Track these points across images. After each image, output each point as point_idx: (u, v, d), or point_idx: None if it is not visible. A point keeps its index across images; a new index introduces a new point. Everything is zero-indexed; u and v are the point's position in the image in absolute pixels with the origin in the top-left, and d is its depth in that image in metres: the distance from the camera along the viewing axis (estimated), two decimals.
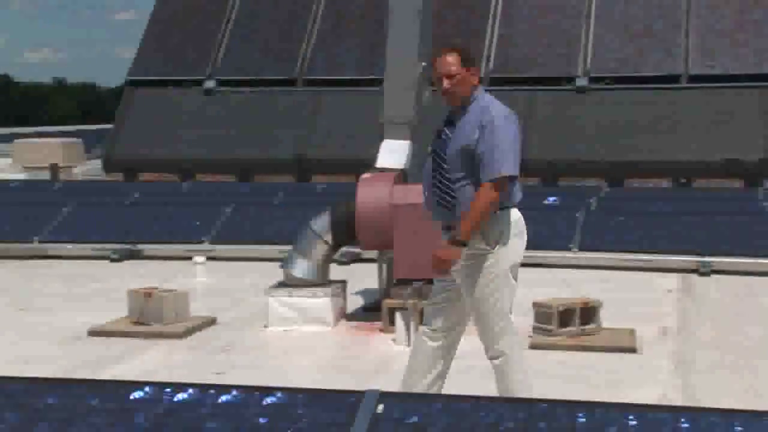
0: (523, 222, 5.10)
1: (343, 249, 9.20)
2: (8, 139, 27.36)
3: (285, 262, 8.05)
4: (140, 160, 20.12)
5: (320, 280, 7.91)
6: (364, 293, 8.72)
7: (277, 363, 6.82)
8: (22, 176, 20.56)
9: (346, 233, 7.97)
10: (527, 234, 5.12)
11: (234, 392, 3.61)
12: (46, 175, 20.55)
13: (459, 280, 5.04)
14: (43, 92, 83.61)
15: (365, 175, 8.00)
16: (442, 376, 5.19)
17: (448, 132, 5.08)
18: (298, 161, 19.61)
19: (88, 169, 23.14)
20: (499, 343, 5.02)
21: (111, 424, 3.54)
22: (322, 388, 3.78)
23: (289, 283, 7.89)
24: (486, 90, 5.19)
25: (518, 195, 5.08)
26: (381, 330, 7.51)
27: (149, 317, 7.55)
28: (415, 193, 7.74)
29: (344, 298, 8.10)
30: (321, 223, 8.02)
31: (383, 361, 6.73)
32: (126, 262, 11.09)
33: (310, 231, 8.01)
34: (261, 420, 3.48)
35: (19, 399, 3.71)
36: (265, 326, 7.74)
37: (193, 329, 7.56)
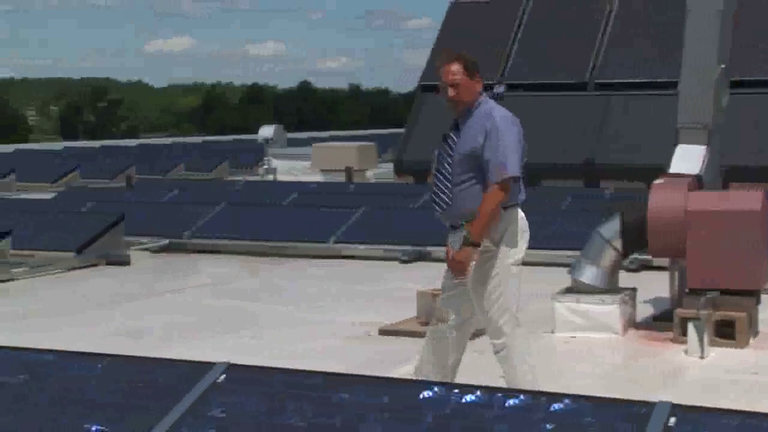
0: (526, 221, 5.39)
1: (633, 256, 8.98)
2: (307, 143, 28.71)
3: (572, 268, 7.95)
4: (429, 163, 20.48)
5: (609, 287, 7.76)
6: (653, 302, 8.47)
7: (562, 369, 6.74)
8: (320, 179, 21.50)
9: (637, 240, 7.77)
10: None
11: (521, 396, 3.59)
12: (341, 178, 21.34)
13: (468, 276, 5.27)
14: (339, 98, 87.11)
15: (658, 181, 7.77)
16: (454, 368, 5.49)
17: (453, 137, 5.37)
18: (587, 166, 19.34)
19: (380, 172, 23.85)
20: (501, 338, 5.30)
21: (400, 422, 3.62)
22: (610, 396, 3.69)
23: (576, 290, 7.79)
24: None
25: (522, 195, 5.37)
26: (671, 340, 7.27)
27: (437, 318, 7.65)
28: (711, 200, 7.43)
29: (633, 306, 7.91)
30: (610, 229, 7.86)
31: (673, 373, 6.51)
32: (414, 263, 11.33)
33: (599, 237, 7.87)
34: (547, 426, 3.44)
35: (316, 393, 3.85)
36: (552, 331, 7.67)
37: (480, 332, 7.59)
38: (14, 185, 21.56)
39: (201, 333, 7.90)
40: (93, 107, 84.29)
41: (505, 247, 5.28)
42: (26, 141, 56.07)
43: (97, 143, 39.73)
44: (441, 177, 5.37)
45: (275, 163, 24.40)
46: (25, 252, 10.97)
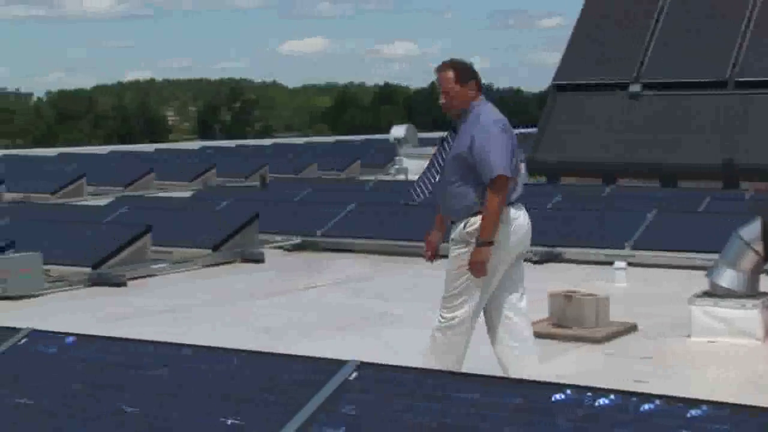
0: (522, 220, 5.68)
1: None
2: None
3: (711, 271, 7.74)
4: (562, 163, 20.29)
5: (749, 292, 7.53)
6: None
7: (699, 375, 6.58)
8: None
9: None
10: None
11: (657, 402, 3.51)
12: None
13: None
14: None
15: None
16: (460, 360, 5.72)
17: (450, 140, 5.72)
18: (726, 167, 18.82)
19: None
20: (442, 318, 5.66)
21: (531, 424, 3.58)
22: (749, 404, 3.57)
23: (714, 293, 7.58)
24: None
25: (513, 195, 5.61)
26: None
27: (569, 320, 7.57)
28: None
29: None
30: (751, 231, 7.63)
31: None
32: (546, 264, 11.21)
33: (740, 240, 7.64)
34: None
35: (445, 393, 3.85)
36: (688, 336, 7.49)
37: (613, 335, 7.49)
38: (153, 183, 22.20)
39: (333, 330, 7.98)
40: (229, 107, 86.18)
41: (456, 245, 5.64)
42: (165, 141, 57.72)
43: (232, 142, 40.57)
44: (432, 170, 5.78)
45: (406, 162, 24.49)
46: (164, 248, 11.28)
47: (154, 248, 11.04)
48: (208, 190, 18.42)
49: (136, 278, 10.29)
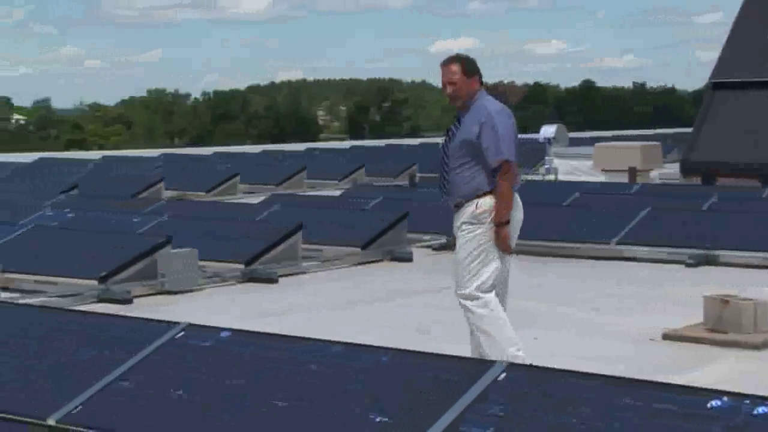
0: (519, 202, 6.14)
1: None
2: (590, 142, 28.32)
3: None
4: (719, 163, 19.71)
5: None
6: None
7: None
8: (602, 179, 21.15)
9: None
10: None
11: None
12: (624, 178, 20.91)
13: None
14: (623, 97, 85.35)
15: None
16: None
17: (454, 129, 6.16)
18: None
19: (665, 172, 23.17)
20: (478, 297, 6.06)
21: (684, 429, 3.49)
22: None
23: None
24: None
25: (518, 178, 6.15)
26: None
27: (725, 325, 7.35)
28: None
29: None
30: None
31: None
32: (701, 267, 10.92)
33: None
34: None
35: (595, 396, 3.78)
36: None
37: None
38: (304, 182, 22.57)
39: None
40: (379, 107, 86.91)
41: (482, 228, 6.06)
42: (316, 140, 58.61)
43: (381, 142, 40.89)
44: (442, 166, 6.21)
45: (556, 162, 24.20)
46: (314, 246, 11.46)
47: (304, 246, 11.22)
48: (358, 189, 18.62)
49: (287, 275, 10.48)
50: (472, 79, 6.11)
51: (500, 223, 6.03)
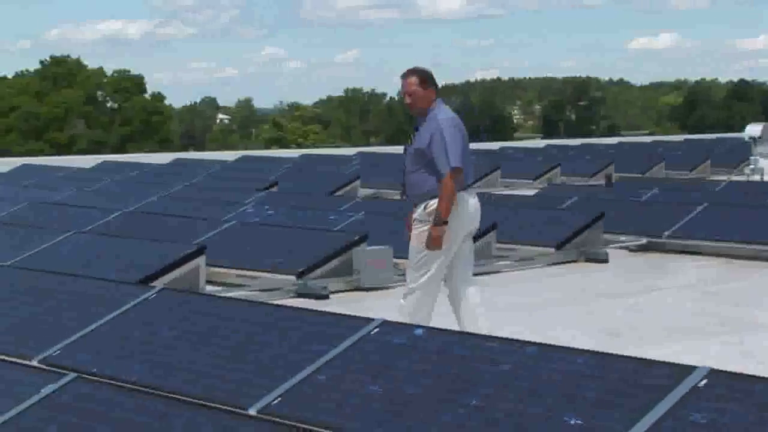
0: (472, 203, 6.81)
1: None
2: None
3: None
4: None
5: None
6: None
7: None
8: None
9: None
10: None
11: None
12: None
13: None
14: None
15: None
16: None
17: (412, 137, 6.81)
18: None
19: None
20: (407, 287, 6.77)
21: None
22: None
23: None
24: None
25: (468, 180, 6.79)
26: None
27: None
28: None
29: None
30: None
31: None
32: None
33: None
34: None
35: None
36: None
37: None
38: (499, 181, 22.50)
39: (679, 334, 7.73)
40: (574, 106, 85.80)
41: (420, 224, 6.69)
42: (511, 139, 58.37)
43: (577, 141, 40.31)
44: (404, 170, 6.85)
45: (762, 162, 23.25)
46: (508, 245, 11.40)
47: (498, 244, 11.18)
48: (553, 189, 18.42)
49: (481, 274, 10.47)
50: (428, 90, 6.75)
51: (437, 222, 6.57)
